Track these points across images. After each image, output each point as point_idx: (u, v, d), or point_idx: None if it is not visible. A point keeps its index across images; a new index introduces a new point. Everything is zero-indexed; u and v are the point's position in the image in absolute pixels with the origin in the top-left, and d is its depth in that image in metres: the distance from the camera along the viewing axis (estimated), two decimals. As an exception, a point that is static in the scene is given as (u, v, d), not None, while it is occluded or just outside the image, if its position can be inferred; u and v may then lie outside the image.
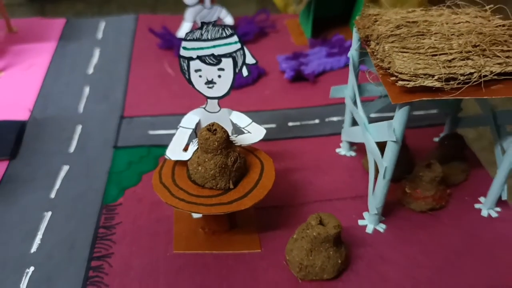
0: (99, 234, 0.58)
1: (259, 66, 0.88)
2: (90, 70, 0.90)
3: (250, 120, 0.60)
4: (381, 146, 0.55)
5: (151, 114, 0.79)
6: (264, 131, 0.60)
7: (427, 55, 0.50)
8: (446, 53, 0.51)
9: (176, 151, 0.57)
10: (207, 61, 0.57)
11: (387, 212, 0.62)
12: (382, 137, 0.55)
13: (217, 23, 0.90)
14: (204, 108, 0.60)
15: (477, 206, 0.64)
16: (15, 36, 0.99)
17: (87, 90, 0.85)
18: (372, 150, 0.58)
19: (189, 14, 0.94)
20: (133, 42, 0.99)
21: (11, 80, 0.86)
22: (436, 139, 0.75)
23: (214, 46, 0.57)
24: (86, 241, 0.58)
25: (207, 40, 0.56)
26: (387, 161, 0.54)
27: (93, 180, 0.66)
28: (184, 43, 0.56)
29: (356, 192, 0.66)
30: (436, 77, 0.48)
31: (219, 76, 0.58)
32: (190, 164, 0.55)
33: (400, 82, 0.48)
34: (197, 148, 0.54)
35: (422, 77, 0.48)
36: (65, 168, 0.68)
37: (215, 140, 0.52)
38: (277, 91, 0.85)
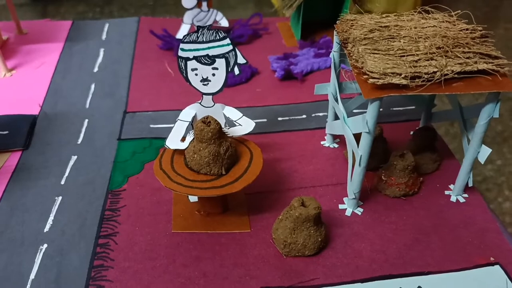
0: (106, 215, 0.65)
1: (252, 66, 0.95)
2: (96, 69, 0.97)
3: (241, 114, 0.67)
4: (358, 137, 0.62)
5: (152, 110, 0.86)
6: (253, 124, 0.67)
7: (396, 56, 0.57)
8: (413, 54, 0.57)
9: (174, 141, 0.64)
10: (203, 61, 0.64)
11: (364, 197, 0.69)
12: (358, 129, 0.62)
13: (214, 25, 0.98)
14: (200, 103, 0.67)
15: (447, 192, 0.70)
16: (25, 37, 1.06)
17: (93, 87, 0.91)
18: (350, 141, 0.64)
19: (187, 17, 1.01)
20: (136, 43, 1.06)
21: (22, 78, 0.93)
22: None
23: (208, 48, 0.63)
24: (93, 222, 0.64)
25: (202, 42, 0.63)
26: (362, 150, 0.61)
27: (99, 168, 0.73)
28: (181, 45, 0.63)
29: (338, 179, 0.72)
30: (403, 76, 0.55)
31: (213, 75, 0.65)
32: (187, 153, 0.62)
33: (371, 80, 0.55)
34: (193, 138, 0.61)
35: (390, 76, 0.55)
36: (74, 158, 0.75)
37: (209, 131, 0.59)
38: (268, 89, 0.92)
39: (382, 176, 0.70)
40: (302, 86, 0.93)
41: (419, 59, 0.57)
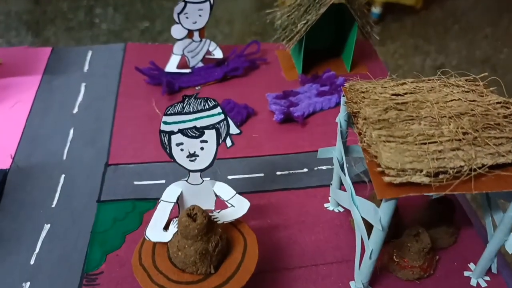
0: (79, 311, 0.57)
1: (248, 106, 0.86)
2: (75, 109, 0.87)
3: (234, 192, 0.59)
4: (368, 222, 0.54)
5: (137, 162, 0.77)
6: (248, 205, 0.58)
7: (416, 144, 0.49)
8: (436, 142, 0.49)
9: (157, 230, 0.55)
10: (189, 134, 0.55)
11: (373, 279, 0.61)
12: (368, 217, 0.53)
13: (207, 56, 0.88)
14: (186, 180, 0.58)
15: (466, 273, 0.63)
16: (0, 68, 0.95)
17: (71, 132, 0.82)
18: (358, 225, 0.56)
19: (177, 47, 0.91)
20: (120, 76, 0.95)
21: (-6, 120, 0.84)
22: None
23: (196, 119, 0.55)
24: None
25: (189, 113, 0.55)
26: (373, 244, 0.53)
27: (75, 241, 0.65)
28: (164, 118, 0.54)
29: (342, 254, 0.64)
30: (424, 172, 0.46)
31: (202, 149, 0.56)
32: (170, 247, 0.54)
33: (387, 178, 0.46)
34: (177, 230, 0.53)
35: (409, 173, 0.46)
36: (47, 227, 0.67)
37: (195, 228, 0.50)
38: (265, 133, 0.83)
39: (394, 257, 0.62)
40: (303, 130, 0.84)
41: (442, 149, 0.48)
